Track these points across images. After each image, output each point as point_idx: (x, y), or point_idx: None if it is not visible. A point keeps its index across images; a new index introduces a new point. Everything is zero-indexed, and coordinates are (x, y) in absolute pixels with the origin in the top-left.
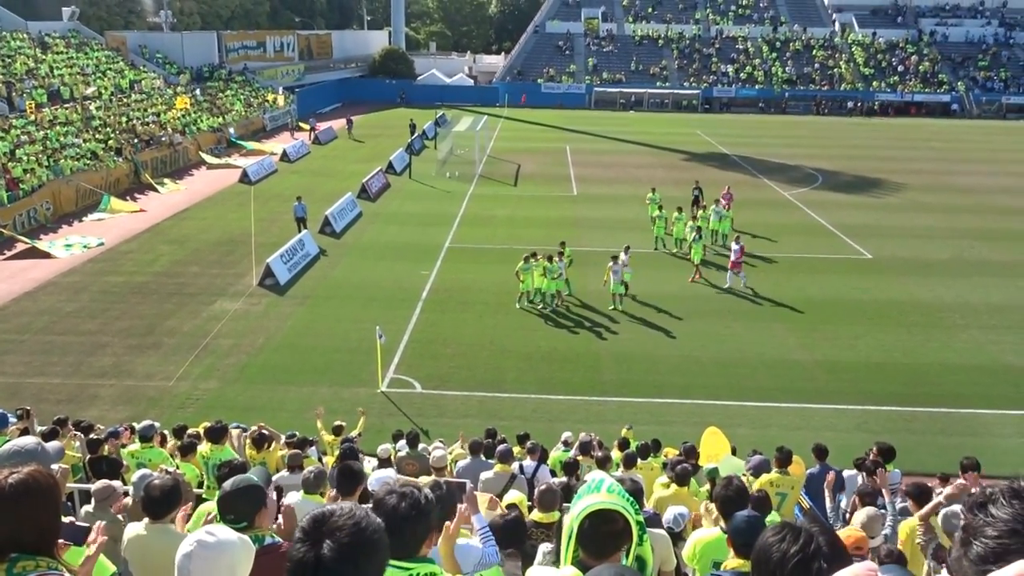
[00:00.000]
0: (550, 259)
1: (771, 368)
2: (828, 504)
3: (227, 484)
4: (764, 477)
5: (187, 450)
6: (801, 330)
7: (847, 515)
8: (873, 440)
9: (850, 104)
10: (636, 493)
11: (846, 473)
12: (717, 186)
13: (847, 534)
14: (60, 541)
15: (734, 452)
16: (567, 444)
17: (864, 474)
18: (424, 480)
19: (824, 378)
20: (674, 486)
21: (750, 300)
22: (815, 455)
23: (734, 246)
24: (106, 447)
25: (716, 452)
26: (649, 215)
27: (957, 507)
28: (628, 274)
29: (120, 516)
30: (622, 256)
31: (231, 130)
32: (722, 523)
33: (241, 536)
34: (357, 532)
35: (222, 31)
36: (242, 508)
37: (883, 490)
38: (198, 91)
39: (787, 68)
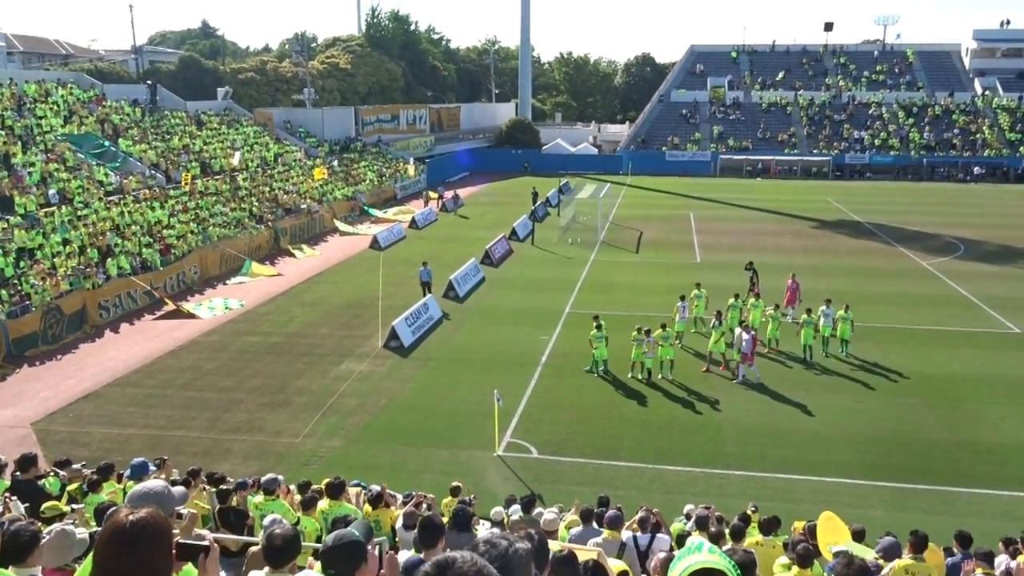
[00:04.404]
0: (663, 327)
1: (908, 446)
2: None
3: (329, 539)
4: (897, 563)
5: (308, 504)
6: (941, 407)
7: None
8: (1021, 529)
9: (976, 170)
10: (747, 564)
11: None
12: (849, 255)
13: None
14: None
15: (859, 538)
16: (689, 517)
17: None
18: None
19: (967, 459)
20: (796, 568)
21: (883, 374)
22: (958, 543)
23: (745, 336)
24: (234, 498)
25: (836, 539)
26: (695, 314)
27: None
28: (650, 361)
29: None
30: (646, 338)
31: (362, 197)
32: None
33: None
34: None
35: (359, 106)
36: (343, 563)
37: None
38: (335, 162)
39: (925, 134)
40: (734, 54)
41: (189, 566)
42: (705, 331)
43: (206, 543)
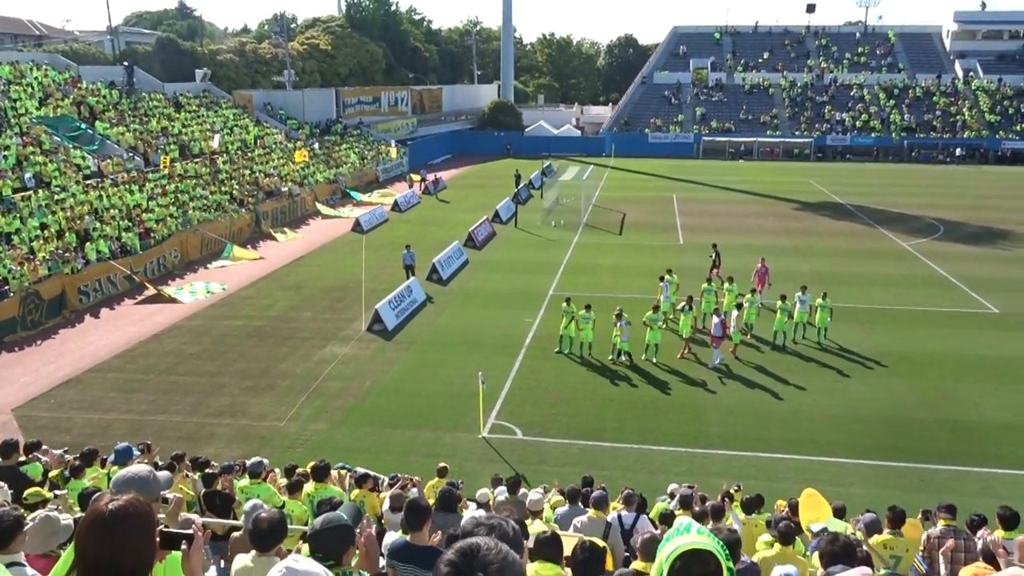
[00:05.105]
0: (655, 309)
1: (888, 425)
2: (943, 570)
3: (317, 522)
4: (876, 538)
5: (294, 488)
6: (921, 387)
7: None
8: (998, 504)
9: (958, 151)
10: (732, 543)
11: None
12: (830, 236)
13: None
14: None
15: (839, 515)
16: (673, 496)
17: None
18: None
19: (946, 438)
20: (778, 545)
21: (864, 355)
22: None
23: (715, 319)
24: (219, 482)
25: (817, 516)
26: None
27: None
28: (626, 344)
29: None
30: (618, 322)
31: (343, 180)
32: None
33: (326, 569)
34: (507, 566)
35: (340, 88)
36: (331, 546)
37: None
38: (316, 145)
39: (906, 116)
40: (717, 35)
41: (174, 553)
42: (673, 316)
43: (190, 531)
